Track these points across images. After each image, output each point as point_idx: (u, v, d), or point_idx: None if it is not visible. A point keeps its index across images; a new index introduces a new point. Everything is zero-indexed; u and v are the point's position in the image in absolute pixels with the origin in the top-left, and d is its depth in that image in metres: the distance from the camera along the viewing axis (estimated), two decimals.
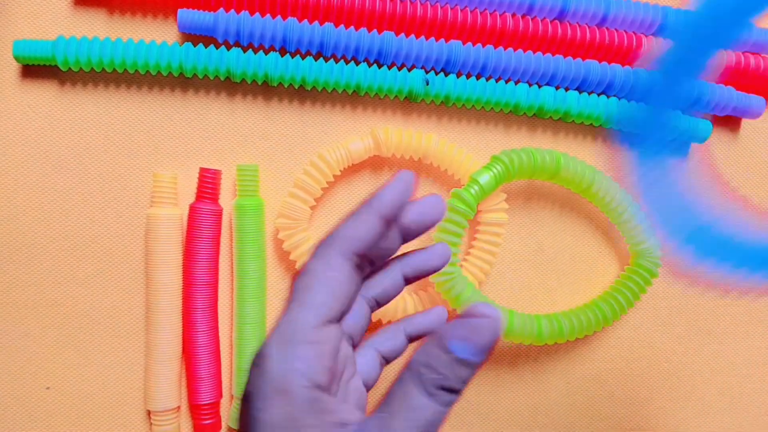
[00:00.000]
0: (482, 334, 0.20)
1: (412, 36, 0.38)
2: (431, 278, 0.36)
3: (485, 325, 0.20)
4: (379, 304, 0.27)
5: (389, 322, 0.34)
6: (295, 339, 0.21)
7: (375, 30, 0.38)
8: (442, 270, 0.35)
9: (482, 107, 0.40)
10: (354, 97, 0.40)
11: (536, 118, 0.42)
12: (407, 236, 0.26)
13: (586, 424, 0.42)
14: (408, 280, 0.27)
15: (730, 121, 0.44)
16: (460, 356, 0.20)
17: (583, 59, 0.40)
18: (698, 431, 0.43)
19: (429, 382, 0.20)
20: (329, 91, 0.39)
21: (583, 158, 0.40)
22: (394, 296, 0.27)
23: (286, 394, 0.20)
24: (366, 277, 0.26)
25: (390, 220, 0.24)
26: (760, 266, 0.23)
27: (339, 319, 0.23)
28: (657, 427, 0.42)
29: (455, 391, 0.20)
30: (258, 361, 0.21)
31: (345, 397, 0.25)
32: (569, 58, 0.40)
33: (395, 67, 0.38)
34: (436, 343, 0.20)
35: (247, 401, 0.21)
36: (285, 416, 0.20)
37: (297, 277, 0.23)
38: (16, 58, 0.36)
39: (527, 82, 0.40)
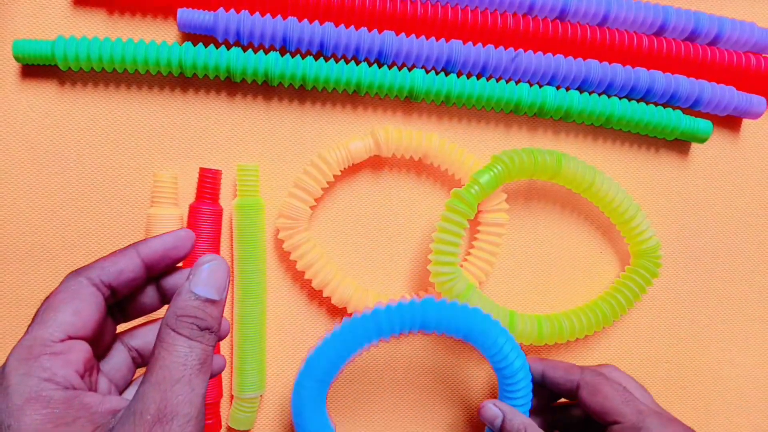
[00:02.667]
0: (218, 274, 0.24)
1: (413, 36, 0.38)
2: (431, 278, 0.36)
3: (218, 267, 0.24)
4: (126, 316, 0.28)
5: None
6: (34, 354, 0.22)
7: (375, 30, 0.38)
8: (443, 271, 0.35)
9: (483, 107, 0.40)
10: (354, 97, 0.40)
11: (537, 118, 0.42)
12: (166, 299, 0.27)
13: None
14: (149, 268, 0.26)
15: (730, 122, 0.44)
16: (207, 297, 0.23)
17: (584, 59, 0.40)
18: (699, 431, 0.43)
19: (189, 328, 0.23)
20: (329, 91, 0.39)
21: (584, 158, 0.40)
22: (134, 283, 0.26)
23: (39, 400, 0.21)
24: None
25: (150, 266, 0.26)
26: None
27: (89, 338, 0.24)
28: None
29: (212, 330, 0.23)
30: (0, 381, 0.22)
31: (109, 387, 0.26)
32: (570, 57, 0.40)
33: (395, 67, 0.38)
34: (184, 295, 0.23)
35: None
36: (43, 419, 0.21)
37: (44, 300, 0.24)
38: (16, 58, 0.36)
39: (528, 81, 0.40)
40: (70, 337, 0.23)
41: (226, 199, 0.38)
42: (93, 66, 0.36)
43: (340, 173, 0.38)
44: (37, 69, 0.37)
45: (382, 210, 0.40)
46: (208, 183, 0.37)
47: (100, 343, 0.26)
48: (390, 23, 0.38)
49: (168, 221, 0.36)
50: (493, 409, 0.33)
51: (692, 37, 0.42)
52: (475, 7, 0.39)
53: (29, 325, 0.23)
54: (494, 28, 0.39)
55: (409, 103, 0.40)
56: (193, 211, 0.36)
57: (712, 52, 0.41)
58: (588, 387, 0.34)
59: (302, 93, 0.39)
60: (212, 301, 0.24)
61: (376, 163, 0.40)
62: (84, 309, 0.24)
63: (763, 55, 0.43)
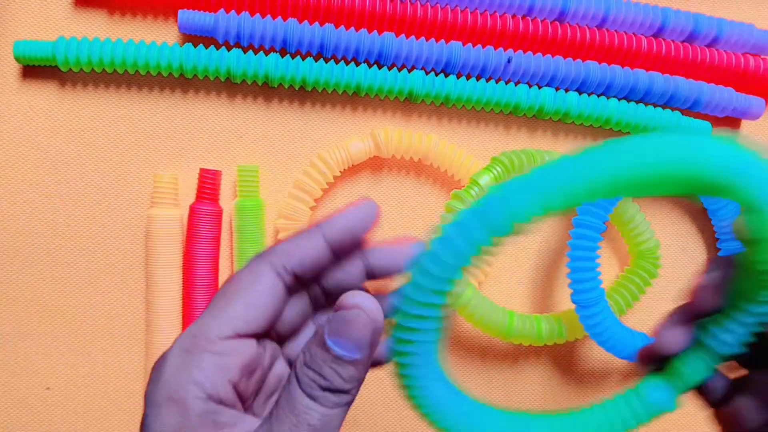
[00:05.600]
0: (356, 327, 0.19)
1: (413, 37, 0.38)
2: None
3: (357, 318, 0.19)
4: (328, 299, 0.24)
5: None
6: (197, 348, 0.20)
7: (375, 31, 0.38)
8: None
9: (482, 108, 0.40)
10: (354, 98, 0.40)
11: (536, 119, 0.42)
12: (372, 275, 0.23)
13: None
14: (336, 249, 0.22)
15: (729, 123, 0.44)
16: (338, 354, 0.19)
17: (583, 60, 0.40)
18: (698, 431, 0.43)
19: (310, 384, 0.19)
20: (329, 92, 0.39)
21: None
22: (320, 267, 0.22)
23: (179, 403, 0.19)
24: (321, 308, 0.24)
25: (339, 248, 0.22)
26: None
27: (260, 335, 0.21)
28: (657, 427, 0.42)
29: (342, 392, 0.19)
30: (158, 365, 0.20)
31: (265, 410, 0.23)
32: (569, 59, 0.40)
33: (395, 68, 0.39)
34: (316, 340, 0.19)
35: (145, 404, 0.20)
36: (175, 426, 0.19)
37: (225, 281, 0.22)
38: (17, 59, 0.36)
39: (527, 83, 0.40)
40: (239, 335, 0.20)
41: (226, 200, 0.38)
42: (94, 67, 0.36)
43: (339, 174, 0.38)
44: (37, 70, 0.37)
45: (382, 210, 0.40)
46: (208, 184, 0.37)
47: (281, 333, 0.23)
48: (390, 25, 0.38)
49: (168, 222, 0.36)
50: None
51: (691, 38, 0.42)
52: (474, 8, 0.39)
53: (206, 309, 0.21)
54: (493, 30, 0.39)
55: (408, 104, 0.40)
56: (193, 212, 0.37)
57: (711, 54, 0.42)
58: None
59: (302, 94, 0.39)
60: (347, 360, 0.19)
61: (375, 164, 0.40)
62: (260, 301, 0.21)
63: (762, 56, 0.43)
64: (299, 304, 0.23)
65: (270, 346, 0.23)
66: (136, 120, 0.38)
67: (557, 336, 0.38)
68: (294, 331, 0.24)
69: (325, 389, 0.19)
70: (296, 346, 0.24)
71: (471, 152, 0.41)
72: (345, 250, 0.22)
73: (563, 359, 0.42)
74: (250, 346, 0.21)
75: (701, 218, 0.44)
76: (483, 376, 0.41)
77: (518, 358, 0.41)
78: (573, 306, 0.37)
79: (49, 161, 0.37)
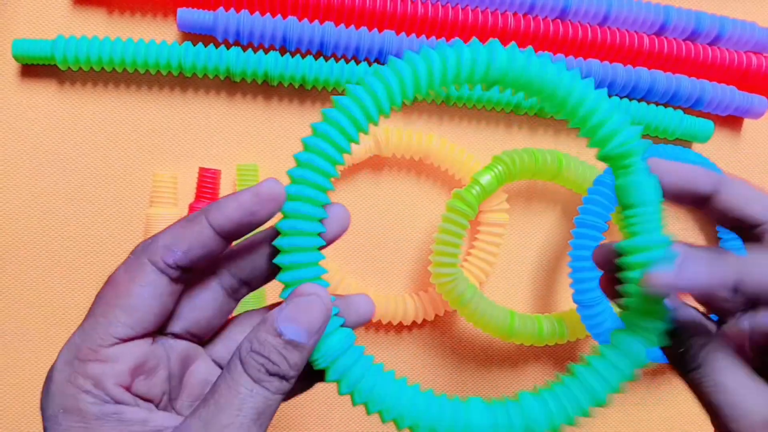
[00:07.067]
0: (310, 313, 0.19)
1: (413, 35, 0.38)
2: (432, 279, 0.36)
3: (313, 303, 0.20)
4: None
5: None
6: (81, 357, 0.19)
7: (375, 29, 0.38)
8: (444, 272, 0.35)
9: (483, 107, 0.40)
10: None
11: (537, 118, 0.42)
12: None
13: (588, 424, 0.42)
14: (228, 237, 0.21)
15: (732, 121, 0.44)
16: (290, 338, 0.19)
17: (585, 58, 0.40)
18: (699, 430, 0.43)
19: (258, 368, 0.19)
20: (329, 91, 0.39)
21: (584, 158, 0.40)
22: (210, 257, 0.21)
23: (74, 412, 0.19)
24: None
25: (231, 234, 0.21)
26: None
27: (150, 333, 0.21)
28: (657, 427, 0.42)
29: (286, 378, 0.19)
30: (47, 378, 0.20)
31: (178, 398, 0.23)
32: (571, 57, 0.40)
33: None
34: (264, 326, 0.19)
35: (42, 417, 0.20)
36: (79, 431, 0.19)
37: (104, 284, 0.21)
38: (16, 58, 0.36)
39: None
40: (123, 340, 0.20)
41: None
42: (93, 66, 0.36)
43: (339, 173, 0.38)
44: (36, 69, 0.37)
45: (382, 210, 0.40)
46: (208, 183, 0.37)
47: (198, 333, 0.23)
48: (390, 23, 0.38)
49: (167, 221, 0.36)
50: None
51: (693, 36, 0.42)
52: (475, 6, 0.39)
53: (88, 312, 0.20)
54: (495, 28, 0.39)
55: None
56: (193, 211, 0.36)
57: (713, 52, 0.41)
58: (730, 186, 0.23)
59: (302, 92, 0.39)
60: (296, 344, 0.19)
61: (376, 163, 0.40)
62: (141, 302, 0.20)
63: (764, 54, 0.43)
64: (213, 299, 0.23)
65: (181, 344, 0.22)
66: (135, 119, 0.38)
67: (558, 336, 0.38)
68: (216, 330, 0.23)
69: (272, 374, 0.19)
70: (224, 347, 0.23)
71: (472, 151, 0.40)
72: (240, 234, 0.21)
73: (564, 359, 0.41)
74: (140, 346, 0.20)
75: (703, 218, 0.44)
76: (484, 377, 0.41)
77: (519, 359, 0.41)
78: (574, 306, 0.37)
79: (47, 160, 0.37)
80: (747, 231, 0.23)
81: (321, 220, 0.21)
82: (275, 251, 0.21)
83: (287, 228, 0.21)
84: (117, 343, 0.20)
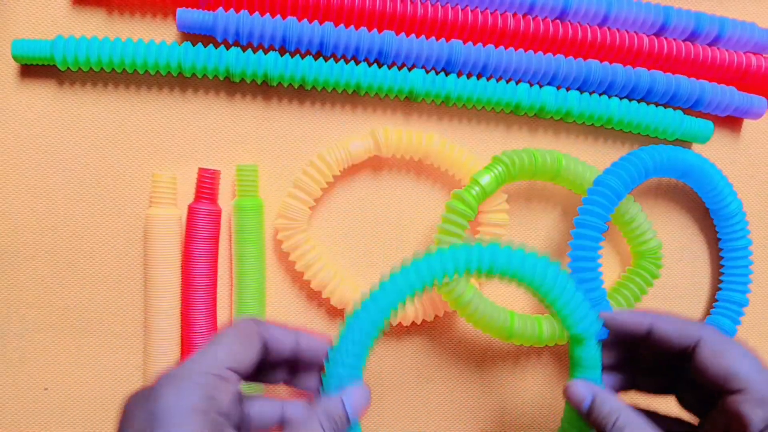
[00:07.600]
0: (363, 403, 0.28)
1: (413, 35, 0.38)
2: None
3: (365, 398, 0.28)
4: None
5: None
6: (199, 371, 0.25)
7: (375, 29, 0.38)
8: None
9: (483, 107, 0.40)
10: (354, 97, 0.40)
11: (537, 119, 0.42)
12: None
13: None
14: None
15: (731, 122, 0.44)
16: (348, 413, 0.27)
17: (584, 59, 0.40)
18: None
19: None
20: (329, 91, 0.39)
21: (584, 159, 0.40)
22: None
23: (198, 411, 0.23)
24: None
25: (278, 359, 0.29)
26: None
27: (244, 375, 0.27)
28: None
29: None
30: (150, 394, 0.24)
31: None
32: (570, 57, 0.40)
33: (395, 67, 0.38)
34: (336, 399, 0.27)
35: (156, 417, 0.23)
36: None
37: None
38: (15, 58, 0.36)
39: (528, 81, 0.40)
40: (232, 369, 0.25)
41: (225, 200, 0.38)
42: (92, 66, 0.36)
43: (339, 173, 0.38)
44: (36, 69, 0.37)
45: (382, 210, 0.40)
46: (207, 183, 0.37)
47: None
48: (390, 23, 0.38)
49: (167, 221, 0.36)
50: (581, 390, 0.29)
51: (693, 37, 0.42)
52: (475, 7, 0.39)
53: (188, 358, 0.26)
54: (494, 28, 0.39)
55: (409, 103, 0.40)
56: (192, 212, 0.36)
57: (713, 53, 0.41)
58: (711, 345, 0.27)
59: (302, 93, 0.39)
60: (346, 419, 0.27)
61: (375, 164, 0.40)
62: (245, 349, 0.26)
63: (764, 55, 0.43)
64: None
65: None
66: (134, 119, 0.38)
67: (558, 337, 0.38)
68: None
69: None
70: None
71: (472, 151, 0.40)
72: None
73: (564, 360, 0.41)
74: (239, 381, 0.26)
75: (703, 218, 0.44)
76: (483, 377, 0.41)
77: (519, 359, 0.41)
78: None
79: (47, 161, 0.37)
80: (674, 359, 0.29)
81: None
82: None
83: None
84: (229, 370, 0.26)
